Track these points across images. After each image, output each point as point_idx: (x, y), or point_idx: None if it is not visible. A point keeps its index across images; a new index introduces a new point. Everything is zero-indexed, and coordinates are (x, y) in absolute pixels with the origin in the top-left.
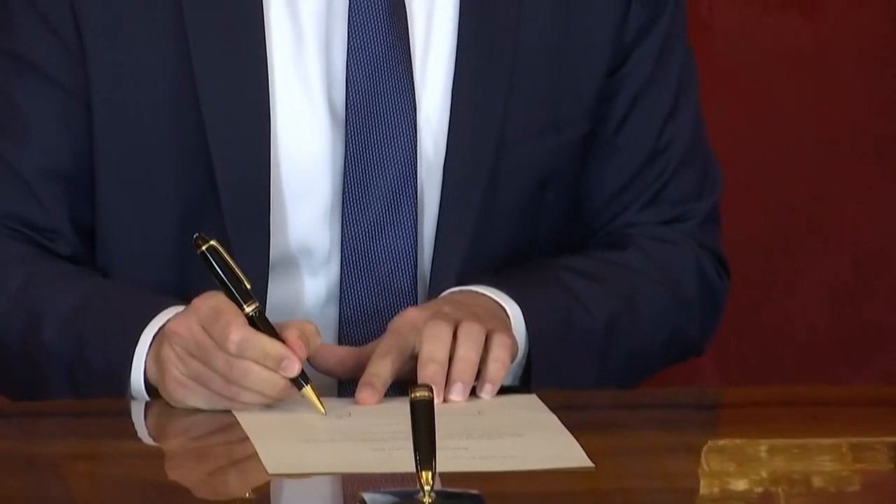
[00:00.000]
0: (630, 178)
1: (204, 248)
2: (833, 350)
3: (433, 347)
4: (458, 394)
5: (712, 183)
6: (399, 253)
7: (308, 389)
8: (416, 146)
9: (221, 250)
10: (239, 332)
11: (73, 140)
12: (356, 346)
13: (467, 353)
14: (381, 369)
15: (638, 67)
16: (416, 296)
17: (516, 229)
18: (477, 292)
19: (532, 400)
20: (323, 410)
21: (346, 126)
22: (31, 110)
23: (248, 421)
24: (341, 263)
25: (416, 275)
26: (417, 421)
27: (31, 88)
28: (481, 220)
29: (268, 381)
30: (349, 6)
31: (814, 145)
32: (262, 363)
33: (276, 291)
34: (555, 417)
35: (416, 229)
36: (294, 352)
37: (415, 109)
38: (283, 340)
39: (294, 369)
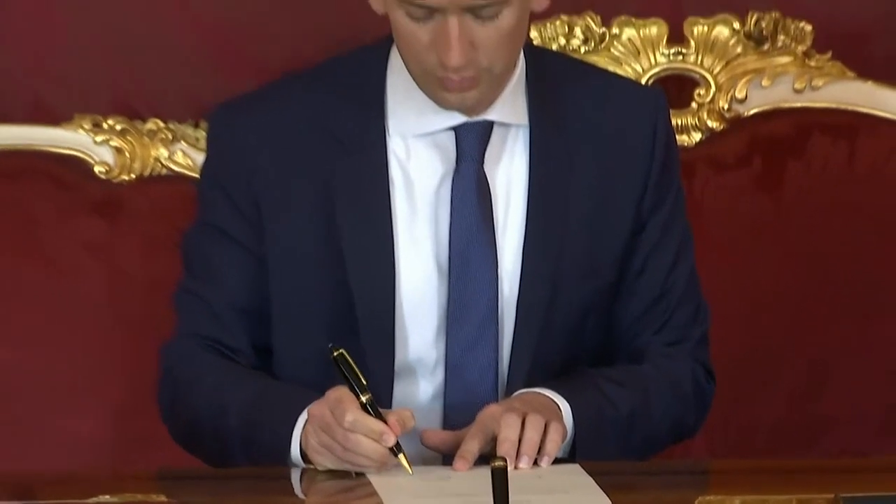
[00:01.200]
0: (644, 312)
1: (335, 354)
2: (791, 434)
3: (508, 432)
4: (525, 463)
5: (703, 316)
6: (485, 364)
7: (401, 456)
8: (497, 290)
9: (347, 356)
10: (352, 414)
11: (252, 285)
12: (455, 430)
13: (532, 435)
14: (472, 447)
15: (651, 233)
16: (497, 394)
17: (567, 347)
18: (539, 393)
19: (576, 468)
20: (411, 472)
21: (449, 276)
22: (222, 264)
23: (378, 481)
24: (445, 371)
25: (496, 379)
26: (496, 483)
27: (222, 248)
28: (542, 341)
29: (372, 449)
30: (451, 193)
31: (776, 289)
32: (368, 436)
33: (399, 391)
34: (592, 480)
35: (497, 347)
36: (391, 429)
37: (496, 263)
38: (386, 421)
39: (390, 441)
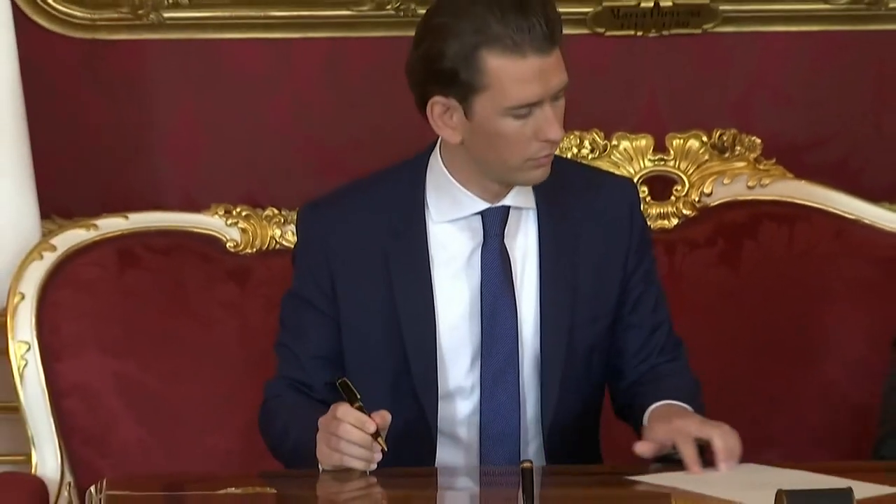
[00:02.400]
0: (645, 341)
1: (338, 382)
2: (748, 446)
3: (722, 442)
4: (732, 464)
5: (682, 344)
6: (510, 388)
7: (380, 439)
8: (517, 332)
9: (348, 383)
10: (342, 408)
11: (328, 339)
12: (491, 438)
13: (735, 444)
14: (693, 453)
15: (636, 283)
16: (519, 411)
17: (579, 375)
18: (681, 405)
19: (754, 466)
20: (385, 448)
21: (481, 322)
22: (308, 325)
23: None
24: (480, 394)
25: (519, 399)
26: (525, 479)
27: (307, 313)
28: (565, 374)
29: (357, 434)
30: (481, 261)
31: (737, 340)
32: (354, 425)
33: (443, 409)
34: (787, 469)
35: (518, 376)
36: (372, 419)
37: (517, 312)
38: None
39: (371, 428)
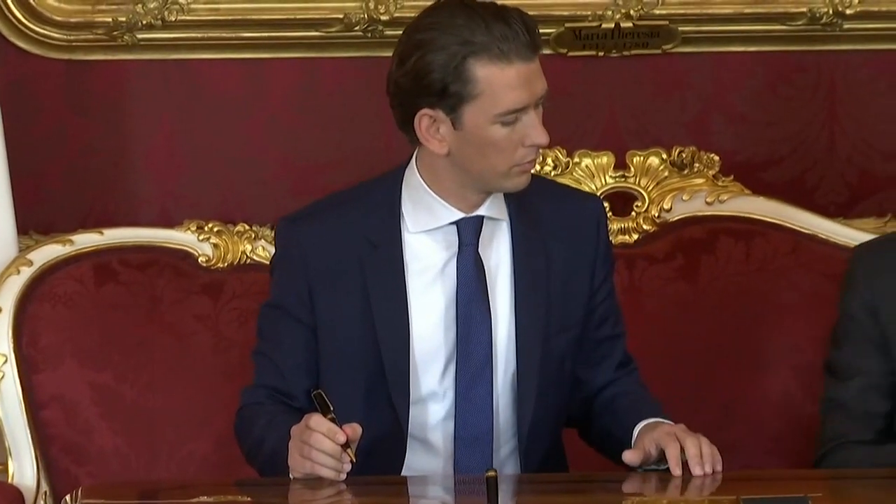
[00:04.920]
0: (604, 354)
1: (312, 393)
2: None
3: (695, 449)
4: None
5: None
6: (484, 392)
7: (349, 450)
8: (491, 338)
9: (322, 395)
10: (314, 418)
11: (305, 347)
12: (465, 442)
13: (709, 452)
14: (675, 450)
15: (601, 300)
16: (493, 415)
17: (553, 383)
18: (668, 422)
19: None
20: (354, 459)
21: (456, 328)
22: (285, 334)
23: None
24: (455, 399)
25: (492, 404)
26: (490, 488)
27: (284, 323)
28: (539, 379)
29: (329, 445)
30: (456, 270)
31: (694, 349)
32: (325, 435)
33: (415, 416)
34: None
35: (492, 381)
36: (343, 431)
37: (490, 320)
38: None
39: (341, 439)
